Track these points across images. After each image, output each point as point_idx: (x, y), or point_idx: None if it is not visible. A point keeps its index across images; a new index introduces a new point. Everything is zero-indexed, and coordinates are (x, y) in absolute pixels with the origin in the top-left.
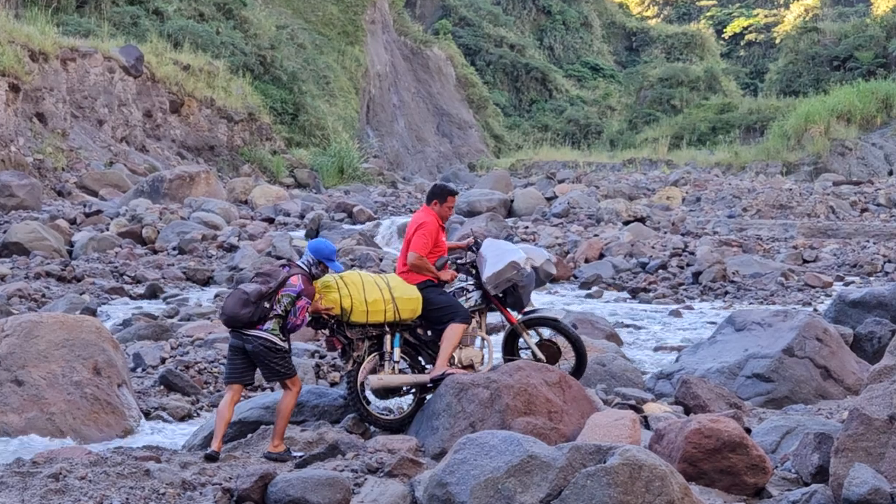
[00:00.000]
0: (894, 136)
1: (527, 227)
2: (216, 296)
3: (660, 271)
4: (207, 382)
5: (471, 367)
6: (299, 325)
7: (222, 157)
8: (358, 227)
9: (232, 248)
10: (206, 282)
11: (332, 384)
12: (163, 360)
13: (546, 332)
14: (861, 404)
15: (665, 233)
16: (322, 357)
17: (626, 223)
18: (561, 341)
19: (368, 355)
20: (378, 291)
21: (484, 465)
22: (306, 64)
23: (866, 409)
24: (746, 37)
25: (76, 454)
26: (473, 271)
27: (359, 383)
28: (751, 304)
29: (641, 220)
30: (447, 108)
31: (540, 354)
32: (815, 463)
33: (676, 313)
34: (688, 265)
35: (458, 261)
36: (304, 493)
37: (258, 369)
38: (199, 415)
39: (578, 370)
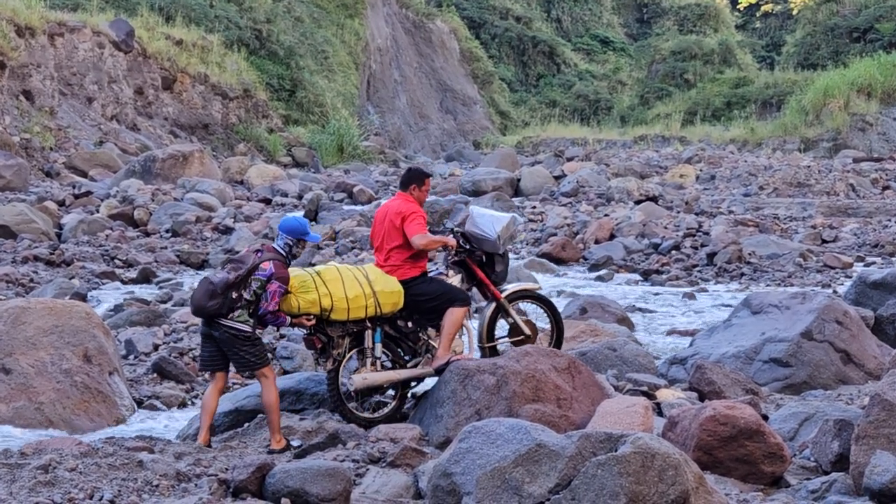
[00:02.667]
0: None
1: (534, 207)
2: None
3: (673, 252)
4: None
5: (455, 355)
6: (274, 314)
7: (217, 136)
8: (358, 207)
9: (227, 230)
10: (201, 265)
11: None
12: (156, 347)
13: (525, 309)
14: (883, 389)
15: (678, 212)
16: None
17: (638, 202)
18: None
19: (349, 352)
20: (358, 286)
21: (490, 455)
22: (304, 38)
23: (888, 394)
24: (762, 8)
25: (66, 445)
26: (466, 242)
27: (340, 383)
28: (768, 285)
29: (653, 199)
30: (451, 83)
31: (527, 330)
32: (835, 450)
33: (690, 296)
34: (702, 246)
35: (454, 231)
36: (303, 484)
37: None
38: (193, 403)
39: (557, 344)
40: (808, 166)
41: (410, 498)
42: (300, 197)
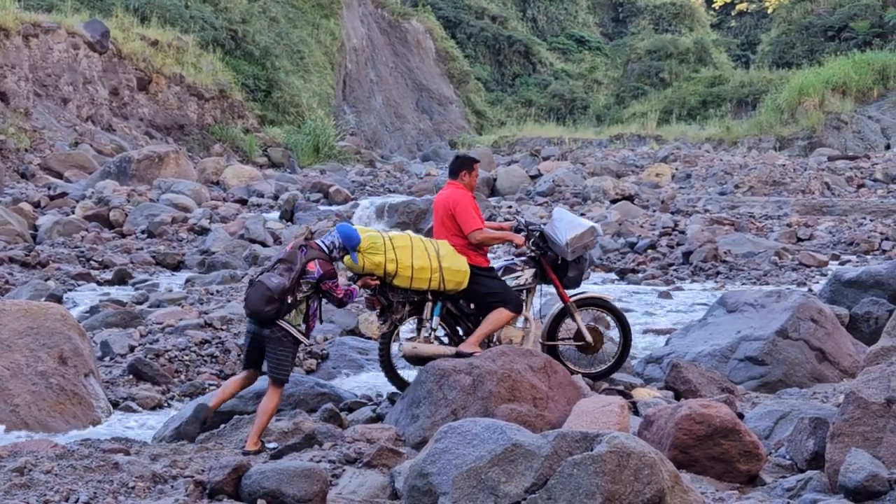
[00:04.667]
0: (891, 109)
1: (510, 207)
2: (187, 281)
3: (649, 251)
4: (178, 371)
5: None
6: (345, 298)
7: (192, 136)
8: (334, 207)
9: (203, 231)
10: (177, 266)
11: (308, 371)
12: (132, 349)
13: (588, 318)
14: (858, 387)
15: (654, 211)
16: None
17: (614, 201)
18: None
19: (407, 319)
20: (426, 258)
21: (466, 455)
22: (279, 38)
23: (863, 392)
24: (737, 6)
25: (41, 447)
26: (540, 243)
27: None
28: (743, 284)
29: (629, 198)
30: (427, 83)
31: (589, 337)
32: (811, 449)
33: (666, 295)
34: (678, 245)
35: (530, 229)
36: (279, 485)
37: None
38: (169, 405)
39: (623, 354)
40: (784, 165)
41: (387, 498)
42: (276, 197)
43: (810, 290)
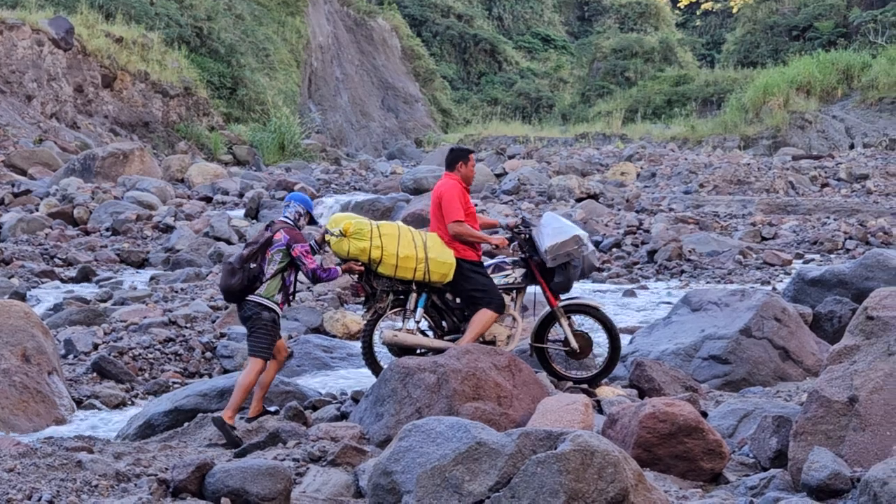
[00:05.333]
0: (855, 109)
1: (476, 205)
2: (151, 278)
3: (614, 250)
4: (142, 369)
5: (492, 343)
6: (323, 269)
7: (157, 134)
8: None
9: (168, 229)
10: (141, 264)
11: None
12: (95, 347)
13: (578, 322)
14: (820, 386)
15: (619, 210)
16: None
17: (579, 200)
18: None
19: (391, 309)
20: (412, 248)
21: (430, 453)
22: (245, 36)
23: (826, 391)
24: (702, 6)
25: (4, 445)
26: (526, 246)
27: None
28: (707, 283)
29: (594, 196)
30: (392, 81)
31: (575, 343)
32: (774, 447)
33: (631, 293)
34: (643, 243)
35: (515, 232)
36: (243, 483)
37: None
38: (133, 403)
39: (611, 362)
40: (748, 164)
41: (351, 497)
42: (241, 195)
43: (774, 288)
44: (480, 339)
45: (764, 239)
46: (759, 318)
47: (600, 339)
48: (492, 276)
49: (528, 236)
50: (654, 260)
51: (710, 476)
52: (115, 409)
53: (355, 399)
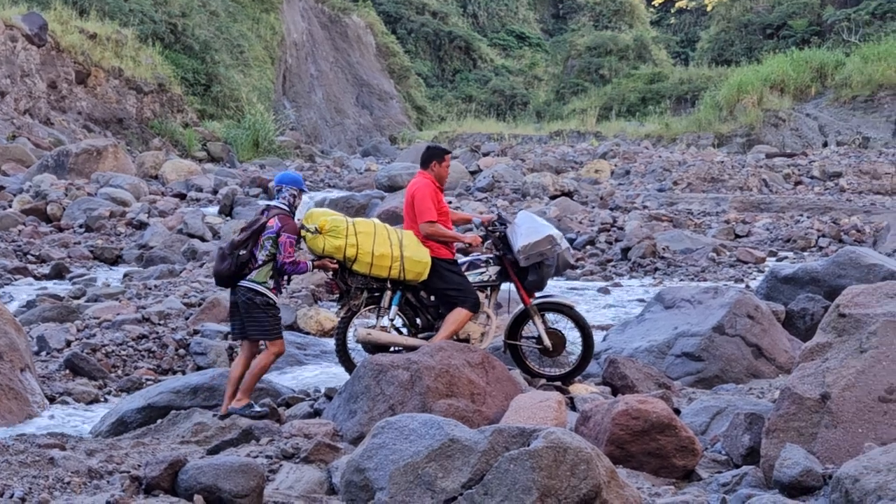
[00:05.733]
0: (829, 107)
1: (450, 202)
2: (125, 275)
3: (587, 247)
4: (115, 366)
5: (466, 341)
6: (293, 263)
7: (131, 131)
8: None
9: (141, 226)
10: (115, 261)
11: None
12: (68, 343)
13: (551, 320)
14: (793, 383)
15: (593, 207)
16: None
17: (553, 197)
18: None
19: (365, 306)
20: (388, 247)
21: (403, 450)
22: (219, 32)
23: (798, 388)
24: (677, 4)
25: None
26: (500, 244)
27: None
28: (681, 280)
29: (569, 194)
30: (367, 78)
31: (548, 341)
32: (746, 444)
33: (604, 290)
34: (616, 241)
35: (490, 229)
36: (215, 480)
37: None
38: (106, 399)
39: (584, 360)
40: (722, 162)
41: (324, 493)
42: (215, 192)
43: (747, 286)
44: (454, 338)
45: (737, 237)
46: (732, 316)
47: (572, 336)
48: (466, 273)
49: (502, 234)
50: (628, 257)
51: (683, 473)
52: (87, 405)
53: (329, 396)
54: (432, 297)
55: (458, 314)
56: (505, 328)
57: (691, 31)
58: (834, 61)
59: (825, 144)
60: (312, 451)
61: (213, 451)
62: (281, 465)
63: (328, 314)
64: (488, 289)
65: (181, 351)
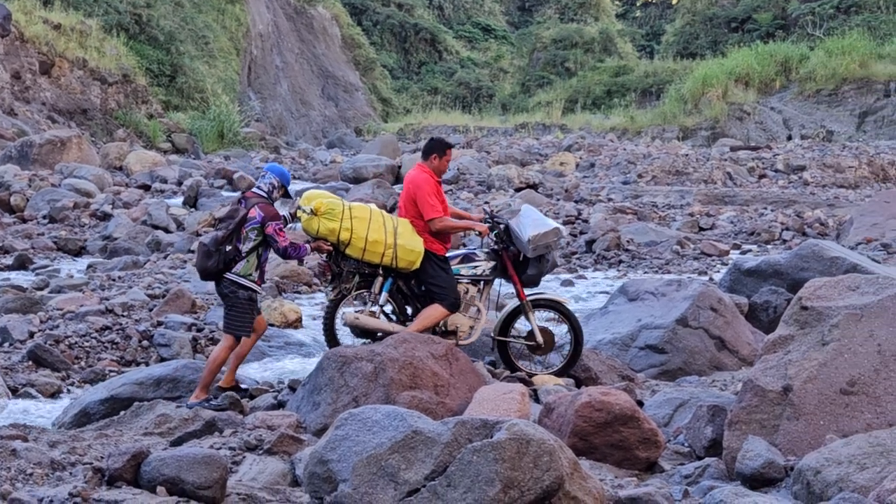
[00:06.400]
0: (793, 101)
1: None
2: (89, 266)
3: None
4: (78, 357)
5: (453, 333)
6: (293, 246)
7: (95, 121)
8: (238, 194)
9: (105, 217)
10: (79, 252)
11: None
12: (31, 335)
13: (542, 317)
14: (755, 375)
15: (558, 200)
16: (199, 330)
17: (518, 190)
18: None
19: (356, 290)
20: (382, 233)
21: (366, 442)
22: (184, 23)
23: (760, 380)
24: None
25: None
26: (503, 237)
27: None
28: (645, 273)
29: (534, 186)
30: (332, 70)
31: (540, 338)
32: (709, 436)
33: (569, 283)
34: (581, 233)
35: (494, 221)
36: (178, 472)
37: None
38: (69, 391)
39: (573, 357)
40: (687, 155)
41: (287, 485)
42: (180, 183)
43: (711, 279)
44: (441, 329)
45: (702, 229)
46: (696, 308)
47: (559, 330)
48: (460, 265)
49: (504, 226)
50: (593, 250)
51: (646, 465)
52: (50, 397)
53: (292, 388)
54: (423, 287)
55: (435, 310)
56: (496, 324)
57: (657, 24)
58: (798, 55)
59: (789, 138)
60: (276, 442)
61: (176, 443)
62: (244, 457)
63: (292, 306)
64: (481, 283)
65: (145, 342)
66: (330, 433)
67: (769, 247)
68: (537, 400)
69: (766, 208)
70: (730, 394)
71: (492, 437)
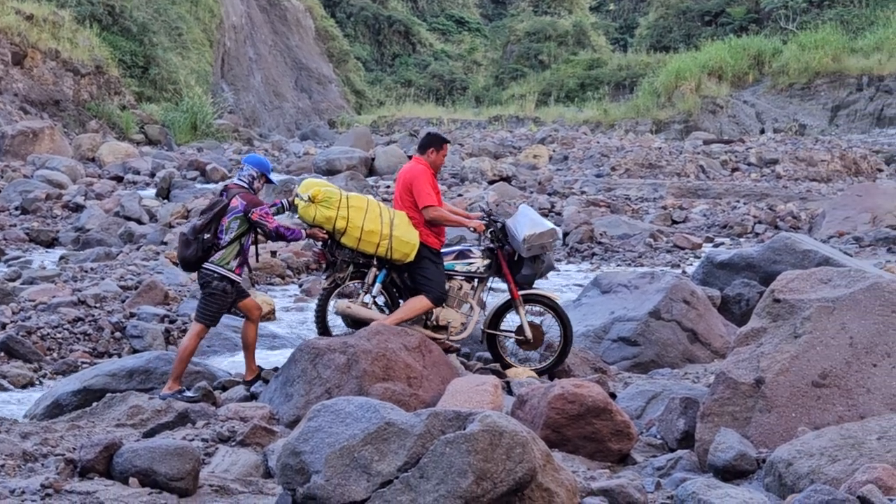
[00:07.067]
0: (766, 94)
1: (388, 187)
2: (61, 258)
3: None
4: (50, 349)
5: (443, 328)
6: (287, 228)
7: (68, 113)
8: (211, 185)
9: (78, 208)
10: (51, 243)
11: None
12: (3, 326)
13: (533, 313)
14: (727, 368)
15: (531, 193)
16: (172, 322)
17: (491, 182)
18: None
19: (350, 280)
20: (378, 224)
21: (339, 433)
22: (157, 14)
23: (732, 372)
24: None
25: None
26: (499, 235)
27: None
28: (618, 266)
29: (507, 179)
30: (306, 62)
31: (529, 333)
32: (681, 428)
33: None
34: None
35: (491, 219)
36: (151, 463)
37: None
38: (41, 383)
39: (563, 353)
40: (660, 148)
41: (260, 476)
42: (153, 175)
43: (684, 271)
44: (432, 323)
45: (674, 222)
46: (668, 301)
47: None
48: (455, 261)
49: (502, 224)
50: (566, 243)
51: (618, 457)
52: (22, 388)
53: (265, 379)
54: (411, 277)
55: (419, 302)
56: (486, 317)
57: (630, 17)
58: (771, 49)
59: (762, 131)
60: (248, 434)
61: (149, 434)
62: (217, 449)
63: (266, 298)
64: (475, 281)
65: (117, 334)
66: (303, 425)
67: (742, 240)
68: (510, 392)
69: (738, 201)
70: (702, 386)
71: (465, 428)
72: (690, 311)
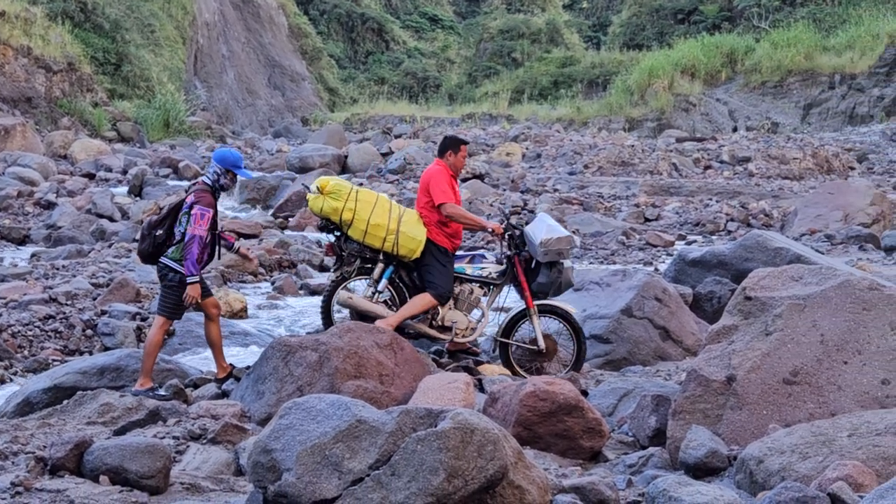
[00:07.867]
0: (739, 92)
1: (361, 184)
2: (32, 255)
3: None
4: (21, 346)
5: (448, 330)
6: (196, 238)
7: (40, 110)
8: (184, 183)
9: (50, 206)
10: (22, 241)
11: None
12: None
13: (546, 324)
14: (699, 365)
15: (504, 190)
16: (144, 319)
17: (464, 180)
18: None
19: (357, 275)
20: (385, 218)
21: (311, 431)
22: (130, 11)
23: (704, 370)
24: None
25: None
26: (517, 242)
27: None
28: (591, 263)
29: (480, 176)
30: (279, 59)
31: (543, 344)
32: (653, 426)
33: None
34: (526, 223)
35: (509, 224)
36: (121, 461)
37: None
38: (11, 380)
39: (576, 365)
40: (633, 146)
41: (231, 474)
42: (125, 172)
43: (656, 269)
44: (437, 323)
45: (647, 220)
46: (640, 298)
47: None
48: (468, 264)
49: (520, 231)
50: None
51: (590, 454)
52: None
53: (237, 377)
54: (417, 274)
55: (423, 298)
56: (500, 326)
57: (603, 15)
58: (744, 47)
59: (735, 129)
60: (220, 432)
61: (120, 432)
62: (188, 446)
63: (237, 295)
64: (488, 287)
65: (88, 331)
66: (274, 422)
67: (714, 237)
68: (482, 389)
69: (711, 199)
70: (674, 383)
71: (436, 426)
72: (662, 308)
